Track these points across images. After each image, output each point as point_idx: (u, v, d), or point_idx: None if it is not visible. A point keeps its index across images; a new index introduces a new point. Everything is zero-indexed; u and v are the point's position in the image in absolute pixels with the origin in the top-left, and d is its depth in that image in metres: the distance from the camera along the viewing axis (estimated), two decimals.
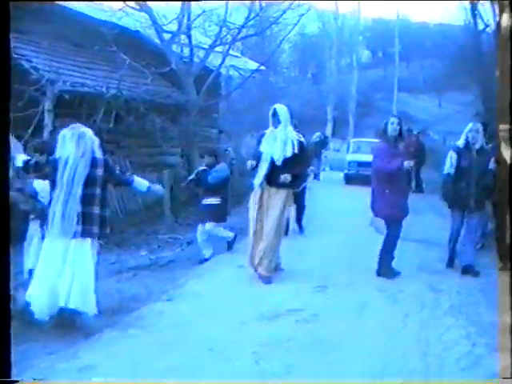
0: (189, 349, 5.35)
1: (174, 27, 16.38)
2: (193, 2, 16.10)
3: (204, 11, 16.79)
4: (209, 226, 9.96)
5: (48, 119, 13.85)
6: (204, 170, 10.40)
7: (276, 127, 7.87)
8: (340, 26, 43.35)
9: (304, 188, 11.28)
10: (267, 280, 7.50)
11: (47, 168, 6.43)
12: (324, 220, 12.75)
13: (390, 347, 5.49)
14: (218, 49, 17.22)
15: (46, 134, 13.87)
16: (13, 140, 7.06)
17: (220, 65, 17.10)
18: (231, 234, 10.35)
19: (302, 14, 17.73)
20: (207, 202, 10.07)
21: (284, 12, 17.24)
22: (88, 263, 6.31)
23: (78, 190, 6.15)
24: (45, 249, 6.20)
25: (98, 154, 6.40)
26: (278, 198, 7.75)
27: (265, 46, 30.64)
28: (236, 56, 21.17)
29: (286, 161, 7.76)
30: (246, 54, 26.47)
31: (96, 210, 6.24)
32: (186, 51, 17.06)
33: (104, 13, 15.48)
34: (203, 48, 17.36)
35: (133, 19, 16.04)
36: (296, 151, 7.78)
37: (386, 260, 7.99)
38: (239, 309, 6.34)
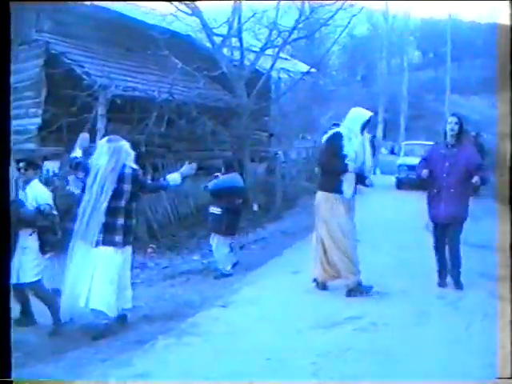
0: (245, 357, 5.22)
1: (224, 30, 16.34)
2: (244, 4, 16.03)
3: (254, 14, 16.68)
4: (213, 238, 9.79)
5: (101, 124, 13.97)
6: (215, 177, 10.30)
7: (362, 134, 7.53)
8: (390, 26, 42.82)
9: None
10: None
11: (81, 172, 6.70)
12: (376, 225, 12.46)
13: (452, 357, 5.27)
14: (268, 52, 17.12)
15: (99, 139, 13.96)
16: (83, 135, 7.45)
17: (270, 68, 16.98)
18: (228, 268, 9.59)
19: (354, 15, 17.48)
20: (210, 211, 9.94)
21: (335, 13, 17.01)
22: (108, 269, 6.40)
23: (104, 204, 6.43)
24: (70, 255, 6.49)
25: (128, 170, 6.57)
26: (352, 207, 7.42)
27: (314, 49, 30.45)
28: (286, 59, 21.05)
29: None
30: (296, 57, 26.33)
31: (120, 220, 6.50)
32: (237, 54, 17.00)
33: (155, 17, 15.53)
34: (254, 51, 17.28)
35: (184, 23, 16.05)
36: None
37: (453, 271, 7.70)
38: (295, 316, 6.19)
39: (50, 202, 6.92)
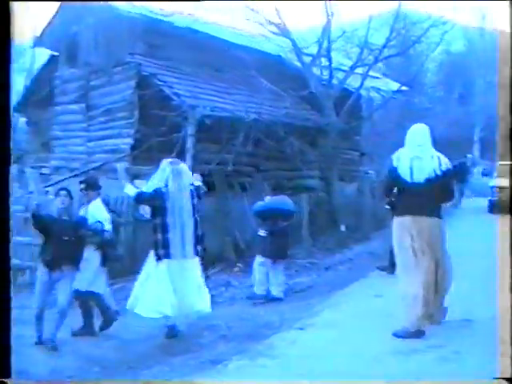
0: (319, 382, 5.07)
1: (314, 50, 16.32)
2: (333, 23, 15.96)
3: (344, 32, 16.61)
4: (257, 259, 9.67)
5: (190, 143, 14.18)
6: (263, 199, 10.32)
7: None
8: (487, 42, 41.57)
9: None
10: None
11: (155, 199, 7.29)
12: (462, 251, 11.89)
13: None
14: (357, 70, 16.95)
15: (188, 158, 14.19)
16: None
17: (359, 86, 16.81)
18: (279, 294, 9.44)
19: (446, 32, 17.07)
20: (258, 233, 9.91)
21: (426, 31, 16.68)
22: (199, 277, 7.54)
23: (190, 218, 7.38)
24: (161, 268, 7.23)
25: (192, 187, 7.49)
26: None
27: (409, 66, 29.93)
28: (376, 77, 20.77)
29: None
30: (390, 75, 25.95)
31: (199, 232, 7.53)
32: (326, 74, 16.94)
33: (245, 38, 15.71)
34: (343, 70, 17.17)
35: (274, 44, 16.16)
36: None
37: None
38: (374, 342, 5.97)
39: (104, 220, 7.59)
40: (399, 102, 23.38)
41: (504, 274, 7.16)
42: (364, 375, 5.16)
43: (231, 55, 15.19)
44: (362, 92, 17.73)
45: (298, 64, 16.25)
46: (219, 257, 13.63)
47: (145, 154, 15.27)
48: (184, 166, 7.73)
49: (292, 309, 8.26)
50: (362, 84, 16.75)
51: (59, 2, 17.44)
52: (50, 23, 18.82)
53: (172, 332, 7.14)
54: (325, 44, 16.21)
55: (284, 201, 10.08)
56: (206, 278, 11.71)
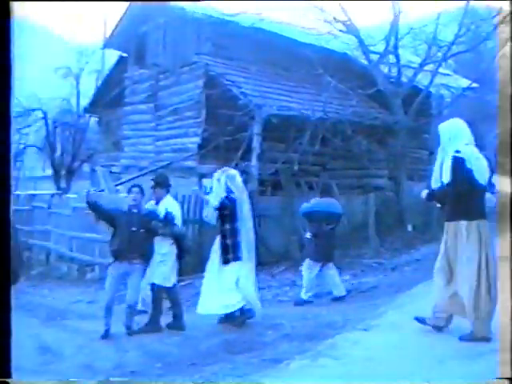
0: None
1: (381, 47, 16.08)
2: (401, 20, 15.67)
3: (412, 29, 16.30)
4: (305, 263, 9.75)
5: (256, 142, 14.23)
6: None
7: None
8: None
9: None
10: None
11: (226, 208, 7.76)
12: None
13: None
14: (427, 67, 16.60)
15: (254, 157, 14.25)
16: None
17: (429, 84, 16.43)
18: (341, 293, 9.54)
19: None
20: (305, 236, 10.01)
21: (496, 27, 16.17)
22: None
23: (250, 223, 7.97)
24: (228, 270, 7.69)
25: None
26: None
27: (479, 63, 29.19)
28: (447, 74, 20.32)
29: None
30: (460, 72, 25.34)
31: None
32: (394, 71, 16.67)
33: (311, 36, 15.63)
34: (412, 67, 16.85)
35: (340, 41, 16.01)
36: None
37: None
38: (438, 345, 5.84)
39: (176, 212, 7.87)
40: (470, 100, 22.81)
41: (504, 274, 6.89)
42: (427, 379, 5.06)
43: (297, 54, 15.13)
44: (432, 89, 17.35)
45: (365, 62, 16.04)
46: (285, 256, 13.62)
47: (212, 153, 15.43)
48: (236, 172, 8.18)
49: (356, 309, 8.19)
50: (431, 81, 16.37)
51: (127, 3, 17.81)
52: (118, 24, 19.24)
53: (248, 314, 7.67)
54: (392, 41, 15.91)
55: (330, 203, 10.02)
56: (272, 276, 11.78)
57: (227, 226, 7.76)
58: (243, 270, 7.71)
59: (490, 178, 5.99)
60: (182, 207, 11.82)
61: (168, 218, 7.69)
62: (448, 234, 6.05)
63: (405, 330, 6.39)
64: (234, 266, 7.70)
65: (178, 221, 7.88)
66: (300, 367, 5.47)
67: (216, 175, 8.02)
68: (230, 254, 7.70)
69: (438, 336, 6.00)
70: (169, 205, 7.91)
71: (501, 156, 6.62)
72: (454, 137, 6.07)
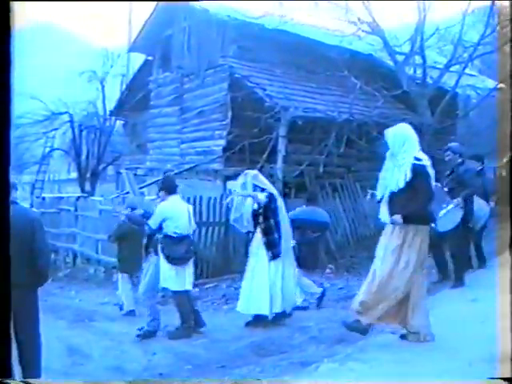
0: None
1: (406, 48, 15.99)
2: (427, 21, 15.55)
3: (438, 30, 16.18)
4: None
5: (281, 145, 14.23)
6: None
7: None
8: None
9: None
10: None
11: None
12: None
13: None
14: (453, 68, 16.47)
15: (279, 159, 14.23)
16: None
17: (455, 85, 16.30)
18: (318, 290, 9.35)
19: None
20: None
21: None
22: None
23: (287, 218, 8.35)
24: (274, 266, 7.85)
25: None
26: None
27: (506, 63, 28.91)
28: (472, 75, 20.14)
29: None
30: (485, 72, 25.12)
31: None
32: (420, 72, 16.57)
33: (335, 38, 15.58)
34: (437, 68, 16.72)
35: (365, 42, 15.95)
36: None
37: None
38: (468, 348, 5.78)
39: (175, 214, 7.82)
40: (496, 101, 22.56)
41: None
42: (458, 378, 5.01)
43: (322, 55, 15.10)
44: (458, 90, 17.22)
45: (391, 63, 15.95)
46: None
47: (237, 156, 15.45)
48: (257, 171, 8.53)
49: None
50: (457, 82, 16.24)
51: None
52: (143, 28, 19.35)
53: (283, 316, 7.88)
54: (418, 42, 15.81)
55: (315, 212, 9.98)
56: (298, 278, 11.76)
57: (271, 222, 7.84)
58: (286, 265, 7.91)
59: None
60: (196, 210, 11.85)
61: (144, 217, 8.05)
62: (392, 236, 6.07)
63: (435, 333, 6.32)
64: (278, 261, 7.84)
65: (173, 226, 7.75)
66: (329, 370, 5.44)
67: (240, 180, 8.09)
68: (275, 248, 7.82)
69: (469, 338, 5.93)
70: (161, 206, 7.88)
71: None
72: (407, 143, 6.13)
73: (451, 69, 16.36)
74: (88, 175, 22.96)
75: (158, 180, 16.70)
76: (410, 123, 15.43)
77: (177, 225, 7.74)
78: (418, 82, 16.29)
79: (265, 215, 7.86)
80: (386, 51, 15.78)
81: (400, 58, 15.94)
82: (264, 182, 8.10)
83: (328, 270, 12.97)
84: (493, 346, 5.69)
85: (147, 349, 6.91)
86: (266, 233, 7.83)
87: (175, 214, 7.79)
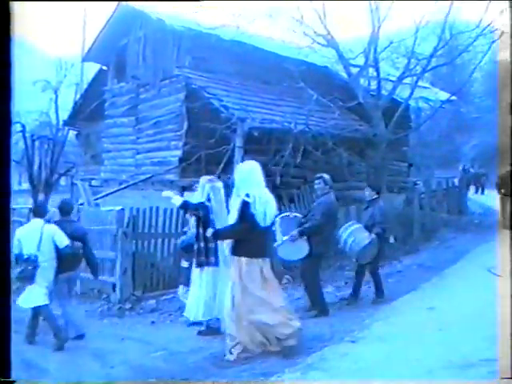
0: None
1: (361, 61, 16.21)
2: (381, 34, 15.80)
3: (391, 43, 16.45)
4: (180, 289, 9.24)
5: (238, 155, 14.22)
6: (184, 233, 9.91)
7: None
8: None
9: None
10: None
11: (200, 210, 7.68)
12: None
13: None
14: (406, 80, 16.75)
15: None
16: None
17: (409, 97, 16.59)
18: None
19: (494, 41, 16.72)
20: (182, 264, 9.33)
21: (474, 40, 16.39)
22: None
23: None
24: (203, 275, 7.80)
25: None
26: None
27: (456, 76, 29.56)
28: (425, 87, 20.54)
29: None
30: (437, 85, 25.64)
31: None
32: (374, 84, 16.79)
33: (292, 50, 15.70)
34: (391, 80, 16.99)
35: (320, 55, 16.10)
36: None
37: None
38: (427, 355, 5.87)
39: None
40: (446, 113, 23.03)
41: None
42: None
43: (278, 67, 15.18)
44: (411, 102, 17.53)
45: (345, 75, 16.16)
46: None
47: (193, 166, 15.41)
48: (220, 184, 8.10)
49: (342, 321, 8.16)
50: (411, 94, 16.53)
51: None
52: (97, 37, 19.19)
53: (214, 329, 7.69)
54: (371, 54, 16.04)
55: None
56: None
57: (200, 231, 7.71)
58: (220, 276, 7.69)
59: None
60: (152, 221, 11.78)
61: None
62: (232, 267, 6.71)
63: (392, 342, 6.42)
64: (208, 271, 7.76)
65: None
66: (290, 381, 5.46)
67: (202, 181, 8.02)
68: (202, 256, 7.75)
69: (427, 346, 6.02)
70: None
71: None
72: (245, 179, 6.68)
73: (404, 81, 16.64)
74: (41, 186, 22.55)
75: (114, 191, 16.57)
76: (364, 134, 15.84)
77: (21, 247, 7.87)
78: (373, 93, 16.52)
79: (197, 223, 7.82)
80: (340, 63, 15.97)
81: (354, 70, 16.14)
82: (218, 199, 7.87)
83: (284, 281, 12.97)
84: (452, 353, 5.81)
85: (105, 361, 6.80)
86: (196, 239, 7.83)
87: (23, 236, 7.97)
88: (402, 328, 7.03)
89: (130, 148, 18.22)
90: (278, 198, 14.57)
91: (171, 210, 12.65)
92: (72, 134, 24.17)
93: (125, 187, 16.56)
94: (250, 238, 6.52)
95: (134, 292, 11.22)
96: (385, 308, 8.52)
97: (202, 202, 7.72)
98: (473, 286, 9.18)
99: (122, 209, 11.74)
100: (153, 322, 9.51)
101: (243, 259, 6.57)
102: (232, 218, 6.68)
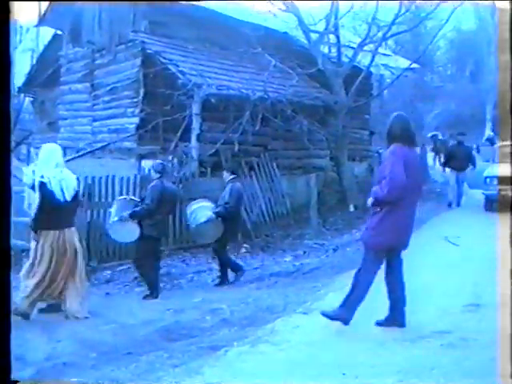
0: (320, 371, 4.83)
1: (321, 27, 15.97)
2: (341, 1, 15.59)
3: (352, 8, 16.25)
4: None
5: (196, 123, 13.96)
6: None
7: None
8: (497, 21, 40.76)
9: None
10: None
11: None
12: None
13: None
14: (367, 48, 16.58)
15: (193, 138, 13.97)
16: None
17: (370, 64, 16.44)
18: None
19: (455, 8, 16.58)
20: None
21: (435, 8, 16.25)
22: None
23: None
24: None
25: None
26: None
27: (419, 44, 29.49)
28: (387, 55, 20.39)
29: None
30: (399, 53, 25.56)
31: None
32: (334, 51, 16.61)
33: (250, 15, 15.39)
34: (352, 47, 16.81)
35: (279, 20, 15.82)
36: None
37: None
38: (380, 328, 5.76)
39: None
40: (409, 81, 22.99)
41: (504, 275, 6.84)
42: (369, 365, 4.94)
43: (237, 32, 14.83)
44: (372, 69, 17.38)
45: (305, 41, 15.90)
46: None
47: (151, 134, 15.10)
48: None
49: (297, 291, 8.04)
50: (371, 61, 16.38)
51: None
52: (52, 1, 18.56)
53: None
54: (332, 21, 15.84)
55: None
56: (212, 259, 11.56)
57: None
58: None
59: None
60: (109, 190, 11.55)
61: None
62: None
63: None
64: None
65: None
66: (238, 354, 5.30)
67: None
68: None
69: (378, 319, 5.90)
70: None
71: None
72: (43, 161, 7.07)
73: (365, 48, 16.48)
74: None
75: (69, 159, 16.15)
76: (324, 101, 15.65)
77: None
78: (333, 60, 16.34)
79: None
80: (300, 29, 15.71)
81: (315, 36, 15.92)
82: None
83: (243, 250, 12.86)
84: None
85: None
86: None
87: None
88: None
89: (86, 115, 17.76)
90: (238, 166, 14.42)
91: (128, 178, 12.38)
92: (28, 101, 23.62)
93: (81, 155, 16.16)
94: (49, 212, 6.94)
95: (89, 263, 10.99)
96: (341, 278, 8.37)
97: None
98: (428, 256, 9.14)
99: (77, 178, 11.42)
100: (107, 294, 9.28)
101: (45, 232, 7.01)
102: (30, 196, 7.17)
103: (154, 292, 8.62)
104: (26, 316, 6.90)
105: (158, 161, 9.79)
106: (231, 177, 9.78)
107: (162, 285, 9.94)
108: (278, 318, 6.41)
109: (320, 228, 14.21)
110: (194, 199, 10.03)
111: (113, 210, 8.83)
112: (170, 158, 13.77)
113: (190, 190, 12.36)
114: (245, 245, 13.10)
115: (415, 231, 11.12)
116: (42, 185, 6.87)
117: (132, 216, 8.55)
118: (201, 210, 9.39)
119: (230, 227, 9.46)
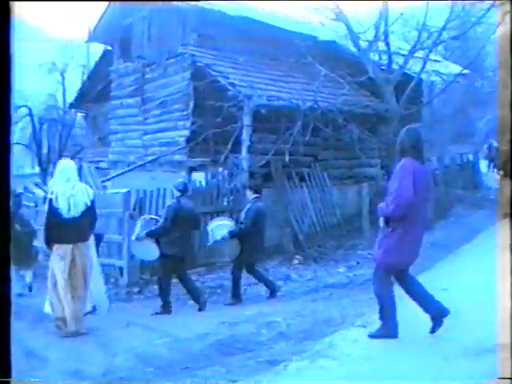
0: None
1: (370, 35, 15.80)
2: (390, 6, 15.40)
3: (401, 15, 16.04)
4: None
5: (246, 134, 13.94)
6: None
7: None
8: None
9: None
10: None
11: None
12: None
13: None
14: (418, 54, 16.34)
15: (244, 149, 13.94)
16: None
17: (420, 71, 16.20)
18: None
19: (507, 12, 16.18)
20: None
21: (486, 12, 15.91)
22: None
23: None
24: None
25: None
26: None
27: (469, 49, 28.95)
28: (438, 61, 20.05)
29: None
30: (449, 58, 25.12)
31: None
32: (385, 58, 16.41)
33: (299, 24, 15.32)
34: (402, 54, 16.59)
35: (328, 29, 15.72)
36: None
37: None
38: (441, 341, 5.58)
39: None
40: (460, 87, 22.55)
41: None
42: (430, 377, 4.78)
43: (285, 43, 14.79)
44: (423, 76, 17.10)
45: (355, 49, 15.75)
46: (278, 249, 13.30)
47: (201, 146, 15.13)
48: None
49: (353, 303, 7.90)
50: (423, 68, 16.15)
51: None
52: (102, 17, 18.84)
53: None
54: (382, 28, 15.66)
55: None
56: (265, 270, 11.49)
57: None
58: None
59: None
60: (160, 203, 11.61)
61: None
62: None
63: (405, 325, 6.10)
64: None
65: None
66: (298, 369, 5.18)
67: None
68: None
69: (443, 331, 5.73)
70: None
71: None
72: (58, 175, 7.27)
73: (416, 55, 16.25)
74: (50, 169, 22.46)
75: (121, 173, 16.33)
76: (375, 110, 15.46)
77: None
78: (383, 68, 16.14)
79: None
80: (349, 38, 15.58)
81: (364, 44, 15.76)
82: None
83: (295, 261, 12.77)
84: (468, 340, 5.51)
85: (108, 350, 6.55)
86: None
87: None
88: (415, 310, 6.70)
89: (137, 129, 17.93)
90: (288, 177, 14.34)
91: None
92: (79, 116, 24.05)
93: (132, 169, 16.31)
94: (56, 227, 7.07)
95: (142, 275, 11.04)
96: (398, 289, 8.17)
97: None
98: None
99: (128, 191, 11.52)
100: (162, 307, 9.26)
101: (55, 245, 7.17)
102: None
103: (165, 310, 8.76)
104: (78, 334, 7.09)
105: (180, 180, 9.94)
106: (253, 196, 9.65)
107: (215, 297, 9.94)
108: (336, 332, 6.27)
109: (373, 238, 13.97)
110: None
111: (136, 228, 8.97)
112: (221, 169, 13.74)
113: (240, 201, 12.27)
114: (297, 256, 13.01)
115: (471, 241, 10.88)
116: (50, 200, 7.04)
117: (149, 235, 8.69)
118: (218, 229, 9.39)
119: (246, 247, 9.30)
